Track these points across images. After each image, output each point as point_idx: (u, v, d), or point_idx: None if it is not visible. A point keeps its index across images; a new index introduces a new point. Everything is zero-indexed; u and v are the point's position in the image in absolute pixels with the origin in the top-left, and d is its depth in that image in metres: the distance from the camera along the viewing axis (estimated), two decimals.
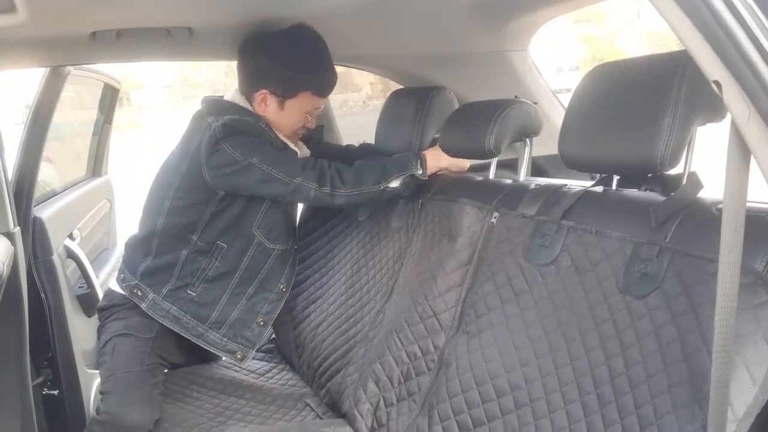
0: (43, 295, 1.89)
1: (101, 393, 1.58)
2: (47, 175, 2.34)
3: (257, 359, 2.05)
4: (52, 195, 2.29)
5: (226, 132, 1.56)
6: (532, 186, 1.46)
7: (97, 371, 1.73)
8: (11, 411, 1.57)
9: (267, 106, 1.66)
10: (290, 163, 1.62)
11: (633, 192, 1.23)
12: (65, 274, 2.08)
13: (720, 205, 1.02)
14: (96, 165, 2.86)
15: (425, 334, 1.43)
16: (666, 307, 0.98)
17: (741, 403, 0.84)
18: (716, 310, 0.76)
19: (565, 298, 1.16)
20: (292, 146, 1.72)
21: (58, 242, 2.07)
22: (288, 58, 1.58)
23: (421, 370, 1.41)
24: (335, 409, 1.66)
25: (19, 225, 1.67)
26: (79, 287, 2.20)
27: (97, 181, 2.81)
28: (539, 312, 1.20)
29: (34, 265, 1.89)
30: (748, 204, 0.74)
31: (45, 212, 2.02)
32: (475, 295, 1.37)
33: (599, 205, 1.25)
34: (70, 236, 2.23)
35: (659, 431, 0.91)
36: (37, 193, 2.00)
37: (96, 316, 1.81)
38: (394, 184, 1.61)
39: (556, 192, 1.35)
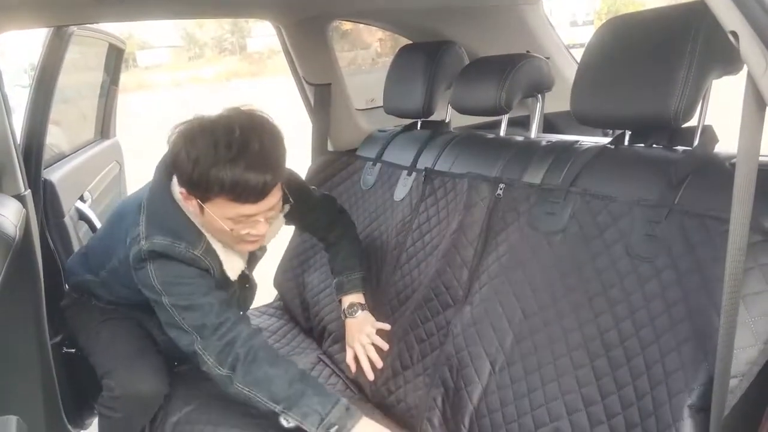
0: (57, 256, 1.91)
1: (104, 375, 1.51)
2: (55, 138, 2.34)
3: (267, 315, 2.09)
4: (62, 158, 2.30)
5: (151, 256, 1.31)
6: (543, 143, 1.45)
7: None
8: (32, 370, 1.61)
9: (191, 207, 1.31)
10: (205, 317, 1.30)
11: (646, 149, 1.21)
12: (78, 236, 2.10)
13: (733, 160, 1.01)
14: (104, 127, 2.86)
15: (440, 310, 1.44)
16: (672, 267, 0.98)
17: (744, 358, 0.85)
18: (726, 266, 0.76)
19: (572, 265, 1.16)
20: (232, 269, 1.42)
21: (69, 205, 2.09)
22: (195, 146, 1.18)
23: (435, 346, 1.42)
24: (347, 374, 1.67)
25: (29, 188, 1.67)
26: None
27: (106, 143, 2.81)
28: (546, 279, 1.20)
29: (47, 227, 1.91)
30: (761, 158, 0.73)
31: (55, 175, 2.03)
32: (481, 267, 1.37)
33: (610, 165, 1.23)
34: (81, 198, 2.25)
35: (667, 389, 0.92)
36: (46, 156, 2.01)
37: None
38: (289, 423, 1.27)
39: (568, 149, 1.34)
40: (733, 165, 0.73)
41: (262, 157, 1.18)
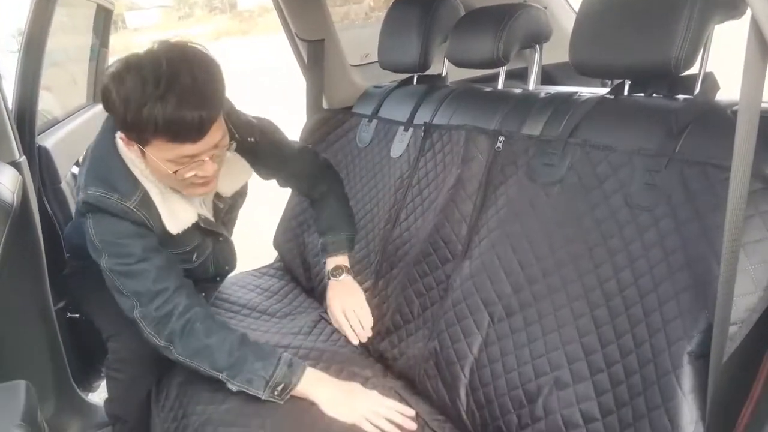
0: (55, 222, 1.91)
1: (109, 337, 1.51)
2: (47, 104, 2.31)
3: (268, 276, 2.10)
4: (55, 123, 2.27)
5: (88, 209, 1.26)
6: (542, 95, 1.43)
7: None
8: (37, 336, 1.63)
9: (132, 155, 1.25)
10: (142, 284, 1.26)
11: (646, 99, 1.20)
12: (75, 200, 2.09)
13: (735, 107, 1.00)
14: (96, 91, 2.81)
15: (438, 264, 1.44)
16: (671, 216, 0.98)
17: (743, 305, 0.86)
18: (726, 213, 0.75)
19: (571, 216, 1.15)
20: (175, 224, 1.33)
21: (65, 170, 2.08)
22: (124, 85, 1.09)
23: (435, 300, 1.43)
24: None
25: (24, 154, 1.66)
26: None
27: (99, 108, 2.76)
28: (545, 230, 1.20)
29: (44, 193, 1.90)
30: (763, 105, 0.72)
31: (49, 141, 2.01)
32: (480, 221, 1.37)
33: (609, 115, 1.22)
34: (77, 164, 2.23)
35: (666, 337, 0.93)
36: (39, 123, 1.99)
37: None
38: (233, 387, 1.27)
39: (567, 101, 1.33)
40: (735, 112, 0.72)
41: (196, 91, 1.09)
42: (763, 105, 0.72)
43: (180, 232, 1.35)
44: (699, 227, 0.93)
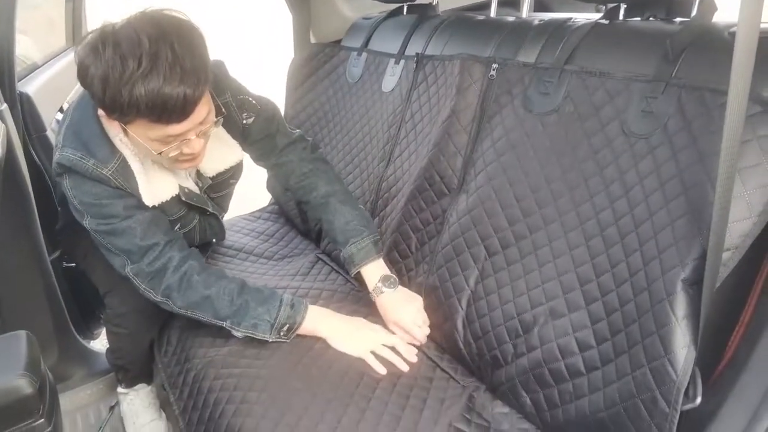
0: (44, 171, 1.88)
1: (106, 293, 1.50)
2: (25, 49, 2.24)
3: (263, 219, 2.09)
4: (35, 68, 2.20)
5: (63, 170, 1.20)
6: (536, 22, 1.39)
7: None
8: (35, 286, 1.63)
9: (114, 129, 1.19)
10: (130, 242, 1.23)
11: (642, 23, 1.16)
12: None
13: (733, 29, 0.97)
14: (75, 34, 2.72)
15: (434, 199, 1.43)
16: (667, 143, 0.97)
17: (738, 231, 0.86)
18: (723, 137, 0.74)
19: (567, 146, 1.14)
20: (151, 196, 1.27)
21: (49, 117, 2.03)
22: (101, 62, 1.01)
23: (432, 235, 1.43)
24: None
25: (6, 102, 1.61)
26: None
27: None
28: (541, 161, 1.18)
29: (30, 142, 1.86)
30: (762, 26, 0.69)
31: (30, 87, 1.95)
32: (475, 154, 1.35)
33: (605, 41, 1.18)
34: (61, 110, 2.18)
35: (661, 265, 0.93)
36: (18, 68, 1.92)
37: None
38: (238, 334, 1.27)
39: (561, 27, 1.29)
40: (733, 34, 0.69)
41: (179, 68, 1.01)
42: (762, 26, 0.70)
43: (156, 204, 1.29)
44: (695, 154, 0.92)
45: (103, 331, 1.69)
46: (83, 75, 1.04)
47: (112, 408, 1.77)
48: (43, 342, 1.35)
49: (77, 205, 1.23)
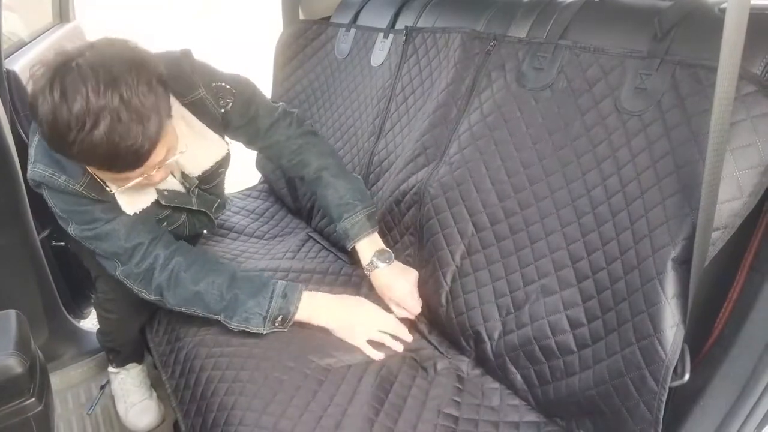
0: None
1: (97, 278, 1.49)
2: (12, 25, 2.20)
3: (252, 197, 2.08)
4: (22, 45, 2.17)
5: (35, 184, 1.18)
6: None
7: None
8: (24, 265, 1.62)
9: None
10: (115, 245, 1.22)
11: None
12: None
13: (723, 5, 0.96)
14: (62, 10, 2.67)
15: (414, 170, 1.43)
16: (661, 121, 0.97)
17: (728, 210, 0.86)
18: (712, 114, 0.73)
19: (560, 122, 1.13)
20: (131, 206, 1.23)
21: None
22: (43, 113, 0.94)
23: (410, 204, 1.42)
24: (340, 247, 1.69)
25: None
26: None
27: (67, 27, 2.64)
28: (532, 137, 1.18)
29: (18, 120, 1.84)
30: (752, 2, 0.69)
31: (18, 64, 1.92)
32: (461, 127, 1.34)
33: (598, 17, 1.17)
34: None
35: (651, 243, 0.93)
36: (5, 45, 1.89)
37: None
38: (233, 328, 1.24)
39: (551, 4, 1.28)
40: (723, 11, 0.69)
41: (130, 119, 0.94)
42: (752, 2, 0.69)
43: (138, 212, 1.25)
44: (688, 132, 0.92)
45: (94, 310, 1.69)
46: (33, 111, 0.97)
47: (102, 387, 1.78)
48: (33, 321, 1.34)
49: (59, 213, 1.21)
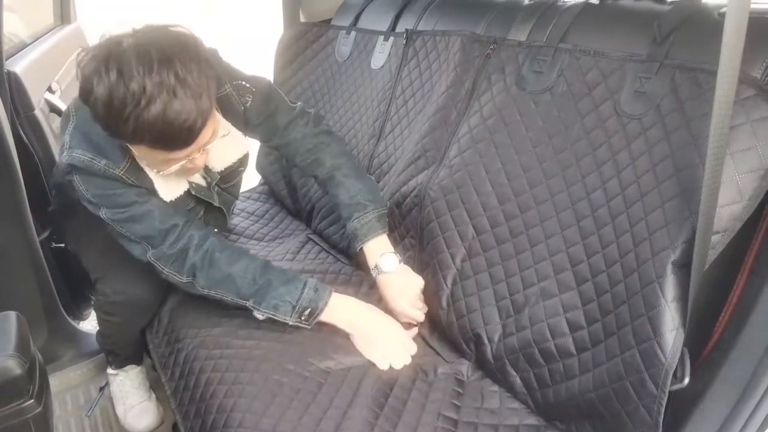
0: (32, 151, 1.87)
1: (97, 280, 1.47)
2: (13, 27, 2.20)
3: (252, 199, 2.08)
4: (23, 47, 2.17)
5: (71, 169, 1.19)
6: (526, 2, 1.39)
7: None
8: (23, 267, 1.62)
9: (116, 140, 1.14)
10: (149, 227, 1.23)
11: (631, 3, 1.16)
12: (51, 128, 2.03)
13: (723, 9, 0.96)
14: (63, 11, 2.67)
15: (414, 173, 1.43)
16: (660, 124, 0.97)
17: (728, 214, 0.86)
18: (712, 118, 0.74)
19: (560, 125, 1.13)
20: (167, 192, 1.26)
21: (38, 97, 2.00)
22: (104, 84, 0.97)
23: (411, 207, 1.42)
24: (340, 249, 1.70)
25: None
26: None
27: (68, 29, 2.64)
28: (532, 140, 1.18)
29: (18, 122, 1.84)
30: (751, 6, 0.69)
31: (18, 66, 1.92)
32: (461, 129, 1.35)
33: (597, 21, 1.18)
34: (50, 90, 2.15)
35: (651, 246, 0.93)
36: (6, 47, 1.89)
37: None
38: (259, 315, 1.25)
39: (551, 7, 1.29)
40: (723, 15, 0.69)
41: (183, 96, 0.98)
42: (752, 6, 0.69)
43: (173, 199, 1.28)
44: (688, 135, 0.92)
45: (93, 311, 1.69)
46: (86, 93, 1.01)
47: (101, 389, 1.78)
48: (33, 322, 1.34)
49: (91, 198, 1.21)
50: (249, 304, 1.24)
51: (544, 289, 1.12)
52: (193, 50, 1.02)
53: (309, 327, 1.25)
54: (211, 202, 1.41)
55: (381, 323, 1.28)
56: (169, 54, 0.98)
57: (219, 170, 1.39)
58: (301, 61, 1.98)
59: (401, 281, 1.34)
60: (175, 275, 1.26)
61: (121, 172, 1.18)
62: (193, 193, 1.34)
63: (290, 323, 1.23)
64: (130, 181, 1.20)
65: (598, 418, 1.02)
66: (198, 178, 1.37)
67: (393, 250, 1.36)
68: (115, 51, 0.98)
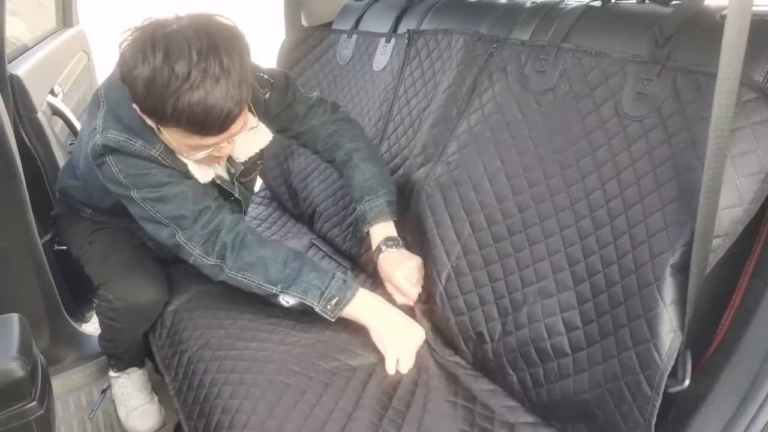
0: (35, 154, 1.87)
1: (100, 286, 1.47)
2: (15, 30, 2.21)
3: (254, 204, 2.09)
4: (25, 50, 2.17)
5: (106, 150, 1.20)
6: (528, 4, 1.39)
7: None
8: (26, 269, 1.62)
9: (147, 122, 1.15)
10: (182, 207, 1.23)
11: (634, 5, 1.16)
12: (53, 131, 2.04)
13: (724, 12, 0.96)
14: (65, 14, 2.68)
15: (413, 169, 1.44)
16: (661, 126, 0.97)
17: (728, 217, 0.86)
18: (712, 121, 0.74)
19: (561, 125, 1.14)
20: (200, 175, 1.27)
21: (40, 100, 2.00)
22: (148, 65, 1.00)
23: (408, 202, 1.43)
24: (343, 252, 1.71)
25: None
26: (70, 143, 2.17)
27: (70, 32, 2.65)
28: (533, 140, 1.18)
29: (21, 125, 1.85)
30: (754, 8, 0.69)
31: (20, 69, 1.93)
32: (461, 127, 1.35)
33: (599, 22, 1.18)
34: (52, 93, 2.16)
35: (650, 249, 0.93)
36: (9, 50, 1.90)
37: None
38: (290, 299, 1.24)
39: (553, 9, 1.29)
40: (725, 17, 0.69)
41: (224, 84, 1.01)
42: (754, 8, 0.69)
43: (207, 181, 1.29)
44: (689, 138, 0.92)
45: (95, 314, 1.69)
46: (127, 72, 1.03)
47: (104, 391, 1.78)
48: (35, 325, 1.34)
49: (122, 179, 1.22)
50: (277, 289, 1.23)
51: (542, 288, 1.13)
52: (236, 41, 1.05)
53: (333, 319, 1.24)
54: (232, 193, 1.42)
55: (403, 325, 1.28)
56: (216, 41, 1.01)
57: (242, 160, 1.40)
58: (303, 66, 1.98)
59: (399, 256, 1.36)
60: (204, 257, 1.25)
61: (156, 153, 1.20)
62: (218, 182, 1.35)
63: (317, 309, 1.23)
64: (165, 163, 1.21)
65: (592, 418, 1.03)
66: (221, 170, 1.39)
67: (396, 236, 1.39)
68: (161, 33, 1.01)
